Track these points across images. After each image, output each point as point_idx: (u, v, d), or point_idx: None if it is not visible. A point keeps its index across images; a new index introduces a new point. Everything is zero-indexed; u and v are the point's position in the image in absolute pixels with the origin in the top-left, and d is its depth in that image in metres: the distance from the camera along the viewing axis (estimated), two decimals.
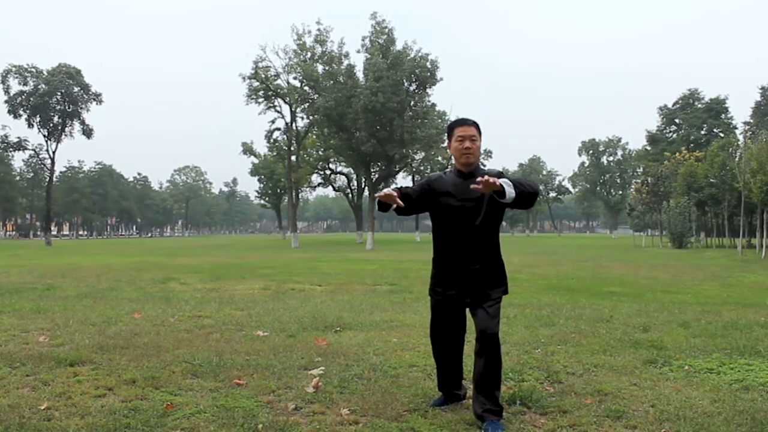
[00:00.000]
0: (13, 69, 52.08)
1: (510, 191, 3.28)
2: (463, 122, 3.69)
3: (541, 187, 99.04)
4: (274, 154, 57.19)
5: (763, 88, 54.58)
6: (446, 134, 3.81)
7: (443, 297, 3.72)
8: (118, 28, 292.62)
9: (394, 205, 3.52)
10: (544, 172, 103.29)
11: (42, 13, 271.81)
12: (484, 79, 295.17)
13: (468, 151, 3.62)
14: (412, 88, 39.90)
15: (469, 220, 3.60)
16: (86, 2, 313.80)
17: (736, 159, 31.33)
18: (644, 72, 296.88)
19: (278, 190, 76.38)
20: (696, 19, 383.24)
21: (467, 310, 3.75)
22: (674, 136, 59.82)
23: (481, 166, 3.79)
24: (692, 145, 53.18)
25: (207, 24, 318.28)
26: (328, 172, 60.73)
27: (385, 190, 3.45)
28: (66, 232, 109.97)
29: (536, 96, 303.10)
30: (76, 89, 53.83)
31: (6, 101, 51.98)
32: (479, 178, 3.24)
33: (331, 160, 57.10)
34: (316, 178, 60.91)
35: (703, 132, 57.17)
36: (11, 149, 59.03)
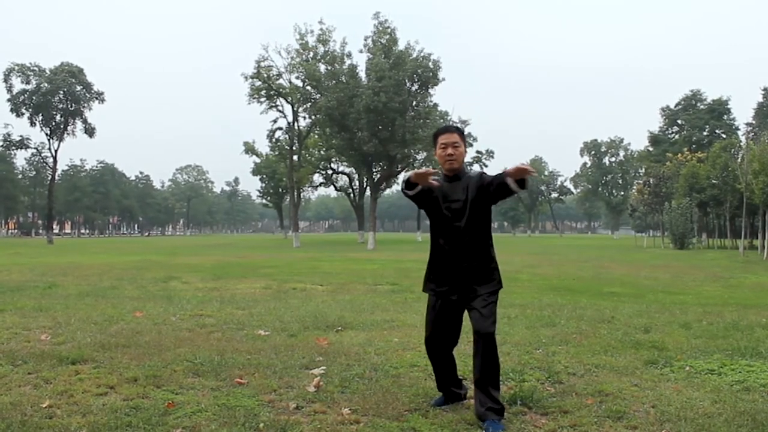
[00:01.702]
0: (16, 67, 52.13)
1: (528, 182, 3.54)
2: (445, 129, 3.87)
3: (543, 188, 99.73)
4: (276, 153, 57.19)
5: (765, 89, 54.43)
6: (432, 142, 3.95)
7: (435, 293, 3.83)
8: (119, 28, 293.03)
9: (419, 188, 3.69)
10: (546, 173, 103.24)
11: (42, 12, 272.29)
12: (484, 79, 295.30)
13: (451, 158, 3.78)
14: (414, 88, 39.91)
15: (455, 220, 3.75)
16: (86, 2, 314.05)
17: (738, 160, 31.28)
18: (646, 72, 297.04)
19: (280, 190, 76.40)
20: (696, 19, 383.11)
21: (465, 311, 3.81)
22: (676, 137, 59.76)
23: (467, 169, 3.96)
24: (694, 146, 53.13)
25: (208, 23, 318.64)
26: (329, 171, 60.80)
27: (424, 168, 3.65)
28: (68, 231, 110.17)
29: (537, 96, 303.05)
30: (78, 88, 53.87)
31: (9, 100, 51.99)
32: (516, 165, 3.46)
33: (333, 159, 57.14)
34: (317, 178, 61.00)
35: (705, 133, 57.08)
36: (14, 147, 59.05)
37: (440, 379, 3.96)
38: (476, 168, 51.76)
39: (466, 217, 3.73)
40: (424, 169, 3.62)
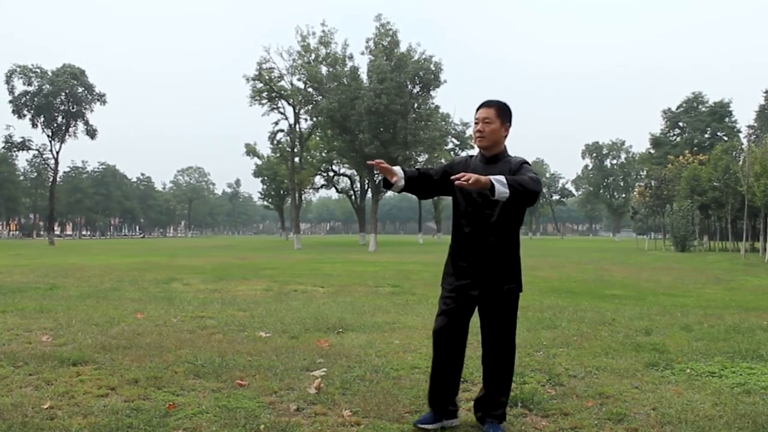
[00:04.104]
0: (18, 69, 52.29)
1: (502, 190, 3.04)
2: (481, 105, 3.51)
3: (544, 190, 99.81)
4: (278, 155, 57.23)
5: (767, 91, 54.44)
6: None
7: (453, 287, 3.49)
8: (120, 29, 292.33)
9: (399, 182, 3.45)
10: (548, 175, 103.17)
11: (44, 13, 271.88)
12: (485, 80, 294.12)
13: (479, 134, 3.46)
14: (415, 90, 39.95)
15: (486, 207, 3.40)
16: (87, 3, 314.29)
17: (740, 162, 31.30)
18: (647, 74, 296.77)
19: (281, 192, 76.43)
20: (697, 21, 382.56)
21: (476, 311, 3.55)
22: (678, 139, 59.75)
23: (509, 153, 3.53)
24: (696, 148, 53.11)
25: (210, 24, 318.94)
26: (331, 173, 60.90)
27: (379, 162, 3.39)
28: (69, 232, 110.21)
29: (538, 97, 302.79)
30: (80, 90, 54.02)
31: (10, 101, 52.16)
32: (461, 174, 3.09)
33: (335, 161, 57.22)
34: (319, 180, 61.08)
35: (707, 135, 57.10)
36: (15, 149, 59.27)
37: (438, 387, 3.52)
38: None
39: (499, 206, 3.33)
40: (382, 162, 3.38)
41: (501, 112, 3.46)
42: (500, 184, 3.06)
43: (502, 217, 3.40)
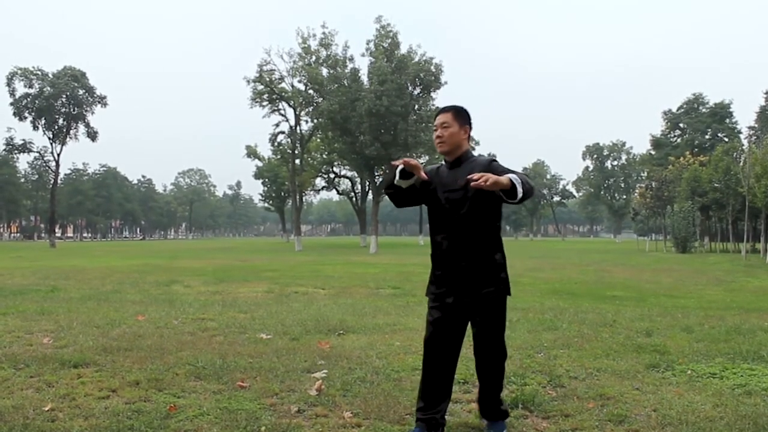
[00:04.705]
0: (19, 72, 52.41)
1: (519, 189, 3.04)
2: (438, 111, 3.51)
3: (545, 191, 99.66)
4: (278, 157, 57.24)
5: (767, 92, 54.44)
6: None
7: (434, 297, 3.44)
8: (121, 31, 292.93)
9: (413, 180, 3.36)
10: (548, 176, 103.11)
11: (44, 14, 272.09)
12: (486, 81, 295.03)
13: (439, 140, 3.44)
14: (416, 92, 39.96)
15: (454, 212, 3.35)
16: (87, 4, 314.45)
17: (741, 163, 31.30)
18: (647, 75, 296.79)
19: (282, 194, 76.39)
20: (698, 22, 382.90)
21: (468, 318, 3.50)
22: (679, 140, 59.78)
23: (473, 154, 3.52)
24: (696, 149, 53.14)
25: (210, 25, 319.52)
26: (332, 175, 60.81)
27: (410, 159, 3.31)
28: (70, 234, 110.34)
29: (539, 98, 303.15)
30: (81, 92, 54.15)
31: (11, 104, 52.28)
32: (477, 174, 3.05)
33: (335, 163, 57.16)
34: (319, 182, 60.99)
35: (707, 136, 57.14)
36: (16, 151, 59.43)
37: (428, 396, 3.42)
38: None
39: (466, 208, 3.30)
40: (412, 160, 3.30)
41: (458, 116, 3.44)
42: (518, 183, 3.06)
43: (472, 219, 3.32)
